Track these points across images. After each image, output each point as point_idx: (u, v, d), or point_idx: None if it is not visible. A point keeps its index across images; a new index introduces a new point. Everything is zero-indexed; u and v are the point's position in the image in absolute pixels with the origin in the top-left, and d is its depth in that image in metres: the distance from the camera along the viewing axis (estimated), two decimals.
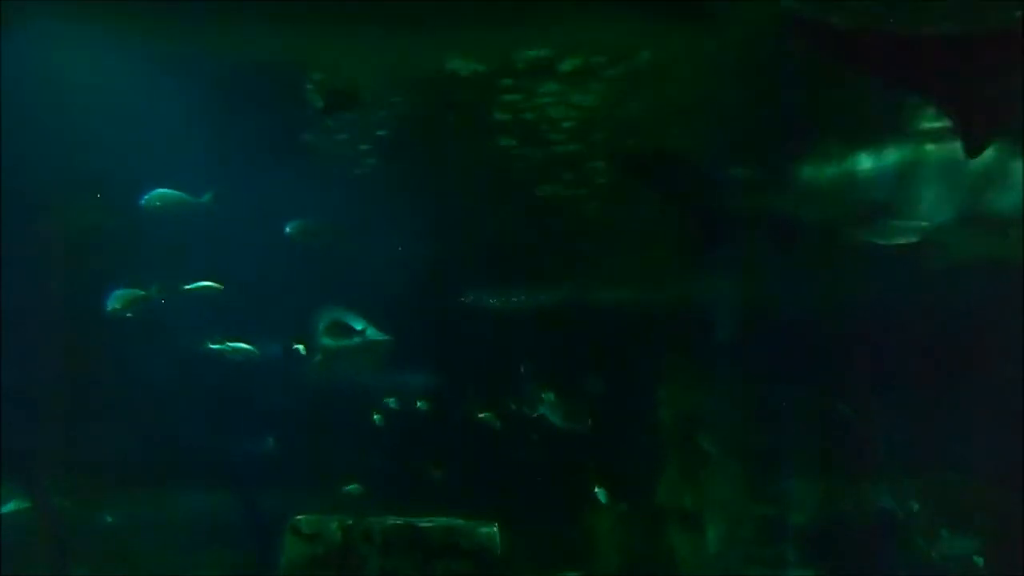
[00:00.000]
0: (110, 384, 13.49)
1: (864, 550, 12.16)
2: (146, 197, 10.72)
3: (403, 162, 12.02)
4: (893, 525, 12.23)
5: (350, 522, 10.56)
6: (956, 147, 9.55)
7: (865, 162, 10.18)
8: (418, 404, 13.71)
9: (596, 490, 12.94)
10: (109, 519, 13.52)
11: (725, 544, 12.92)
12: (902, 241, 9.95)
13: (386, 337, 12.11)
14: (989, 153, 9.33)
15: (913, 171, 9.97)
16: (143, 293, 11.41)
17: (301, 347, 12.59)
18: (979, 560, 11.64)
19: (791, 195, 10.59)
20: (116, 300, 11.34)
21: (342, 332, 12.19)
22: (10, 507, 13.14)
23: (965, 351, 11.65)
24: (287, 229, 11.35)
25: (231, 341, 12.34)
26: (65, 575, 12.90)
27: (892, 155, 10.02)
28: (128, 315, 11.38)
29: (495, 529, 10.74)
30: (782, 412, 12.86)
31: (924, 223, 9.90)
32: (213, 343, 12.30)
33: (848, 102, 10.02)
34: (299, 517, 10.62)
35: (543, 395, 13.17)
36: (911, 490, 12.42)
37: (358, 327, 12.26)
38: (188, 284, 11.68)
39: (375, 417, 13.34)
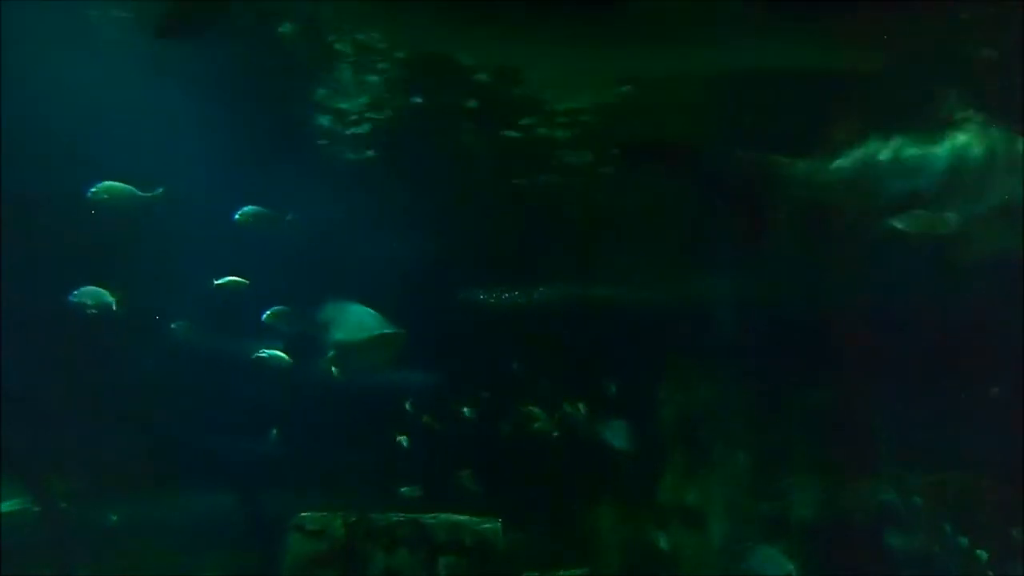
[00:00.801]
0: (113, 384, 13.49)
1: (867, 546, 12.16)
2: (93, 189, 10.56)
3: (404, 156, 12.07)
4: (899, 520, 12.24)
5: (354, 519, 10.57)
6: (986, 137, 9.63)
7: (897, 151, 10.17)
8: (420, 404, 13.75)
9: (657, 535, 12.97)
10: (113, 518, 13.51)
11: (728, 541, 12.91)
12: (932, 231, 9.93)
13: (398, 330, 12.01)
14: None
15: (945, 161, 9.97)
16: (111, 293, 11.34)
17: (334, 369, 12.59)
18: (982, 554, 11.64)
19: (823, 184, 10.56)
20: (83, 296, 11.30)
21: (289, 321, 12.03)
22: (12, 505, 13.12)
23: (985, 346, 11.60)
24: (236, 216, 11.19)
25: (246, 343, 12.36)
26: (70, 571, 12.89)
27: (923, 145, 10.01)
28: (93, 312, 11.28)
29: (498, 525, 10.76)
30: (799, 408, 12.88)
31: (954, 214, 9.87)
32: (256, 352, 12.32)
33: (881, 91, 10.02)
34: (303, 514, 10.63)
35: (585, 411, 13.25)
36: (917, 487, 12.43)
37: (369, 322, 12.14)
38: (216, 280, 11.71)
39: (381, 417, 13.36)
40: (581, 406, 13.30)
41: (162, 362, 13.25)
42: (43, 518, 13.22)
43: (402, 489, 12.68)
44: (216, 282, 11.69)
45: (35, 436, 13.10)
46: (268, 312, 11.84)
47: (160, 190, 10.69)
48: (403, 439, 13.33)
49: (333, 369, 12.18)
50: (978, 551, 11.72)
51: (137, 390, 13.35)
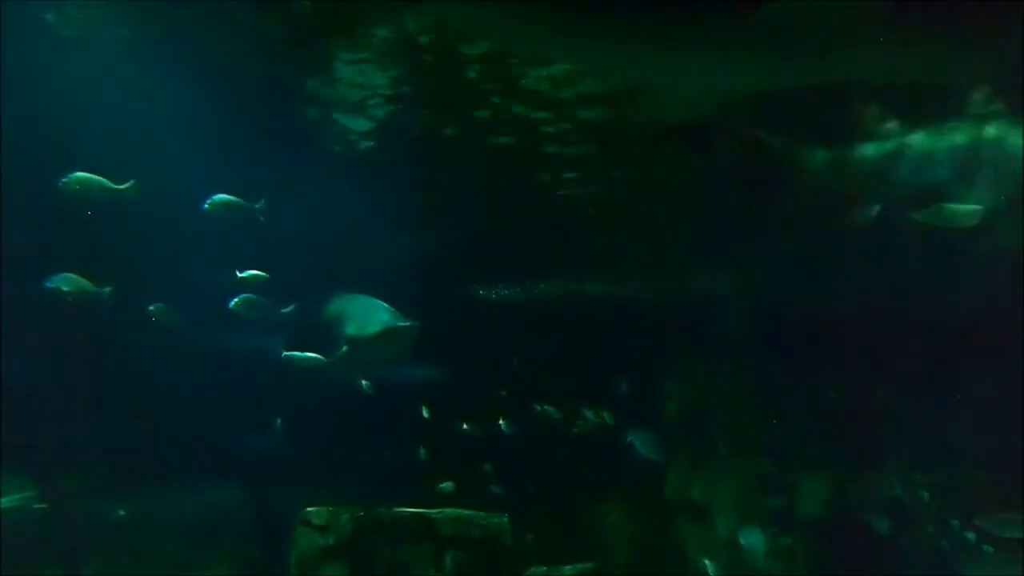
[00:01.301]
0: (122, 380, 13.54)
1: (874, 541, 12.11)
2: (64, 179, 10.53)
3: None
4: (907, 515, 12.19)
5: (361, 513, 10.58)
6: (1010, 130, 9.52)
7: (922, 143, 10.05)
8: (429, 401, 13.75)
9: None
10: (121, 513, 13.55)
11: (734, 536, 12.90)
12: (956, 225, 9.82)
13: (411, 323, 11.76)
14: None
15: (969, 154, 9.87)
16: (88, 283, 11.33)
17: (365, 383, 12.49)
18: (988, 549, 11.59)
19: (848, 176, 10.44)
20: (60, 281, 11.29)
21: (255, 308, 11.76)
22: (20, 501, 13.17)
23: (995, 340, 11.49)
24: (204, 204, 11.02)
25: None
26: (77, 569, 12.93)
27: (950, 137, 9.89)
28: (69, 299, 11.26)
29: (505, 520, 10.77)
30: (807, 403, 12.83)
31: (979, 207, 9.77)
32: (286, 352, 12.27)
33: (907, 82, 9.89)
34: (310, 509, 10.64)
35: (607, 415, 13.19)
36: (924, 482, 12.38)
37: (381, 315, 11.96)
38: (240, 272, 11.74)
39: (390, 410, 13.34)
40: (606, 415, 13.25)
41: (169, 357, 13.30)
42: (50, 514, 13.27)
43: (441, 485, 12.58)
44: (239, 275, 11.70)
45: (42, 432, 13.16)
46: (236, 300, 11.62)
47: (132, 182, 10.64)
48: (422, 449, 13.22)
49: (342, 362, 12.06)
50: (985, 546, 11.68)
51: (144, 385, 13.39)
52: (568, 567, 11.96)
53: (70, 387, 13.26)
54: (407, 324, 11.72)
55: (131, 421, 13.48)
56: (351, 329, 11.94)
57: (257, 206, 11.16)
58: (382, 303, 12.04)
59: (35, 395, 13.03)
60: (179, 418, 13.36)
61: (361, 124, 11.70)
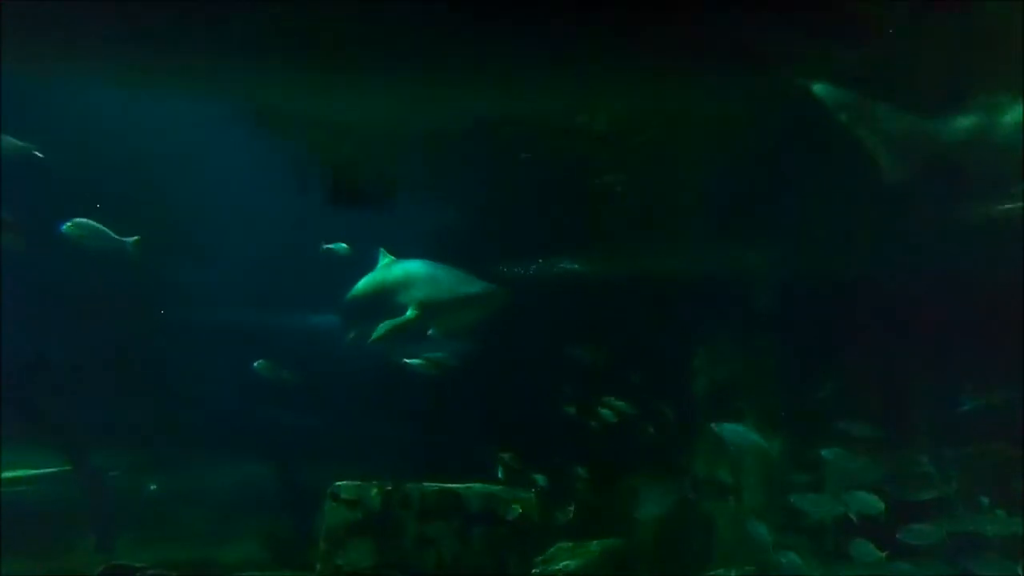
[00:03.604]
0: (153, 357, 13.69)
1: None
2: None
3: None
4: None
5: (389, 488, 10.68)
6: None
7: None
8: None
9: None
10: (152, 487, 13.74)
11: (761, 515, 12.87)
12: None
13: (495, 287, 10.54)
14: None
15: None
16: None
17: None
18: (1000, 512, 11.48)
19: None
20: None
21: (91, 235, 10.48)
22: (49, 473, 13.37)
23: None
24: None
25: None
26: (110, 542, 13.13)
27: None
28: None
29: (533, 495, 10.84)
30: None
31: None
32: (407, 358, 11.86)
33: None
34: (339, 483, 10.75)
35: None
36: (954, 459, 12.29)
37: (461, 279, 10.86)
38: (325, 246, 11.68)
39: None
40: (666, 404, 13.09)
41: (200, 333, 13.43)
42: (83, 488, 13.47)
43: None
44: (324, 246, 11.62)
45: (76, 408, 13.33)
46: (69, 223, 10.58)
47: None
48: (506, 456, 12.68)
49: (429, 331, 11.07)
50: (1016, 524, 11.58)
51: (175, 361, 13.53)
52: (594, 543, 12.00)
53: (103, 364, 13.41)
54: (500, 288, 10.65)
55: (163, 397, 13.63)
56: (434, 293, 10.78)
57: (33, 147, 10.35)
58: (450, 267, 11.03)
59: (69, 372, 13.21)
60: (209, 393, 13.48)
61: None
